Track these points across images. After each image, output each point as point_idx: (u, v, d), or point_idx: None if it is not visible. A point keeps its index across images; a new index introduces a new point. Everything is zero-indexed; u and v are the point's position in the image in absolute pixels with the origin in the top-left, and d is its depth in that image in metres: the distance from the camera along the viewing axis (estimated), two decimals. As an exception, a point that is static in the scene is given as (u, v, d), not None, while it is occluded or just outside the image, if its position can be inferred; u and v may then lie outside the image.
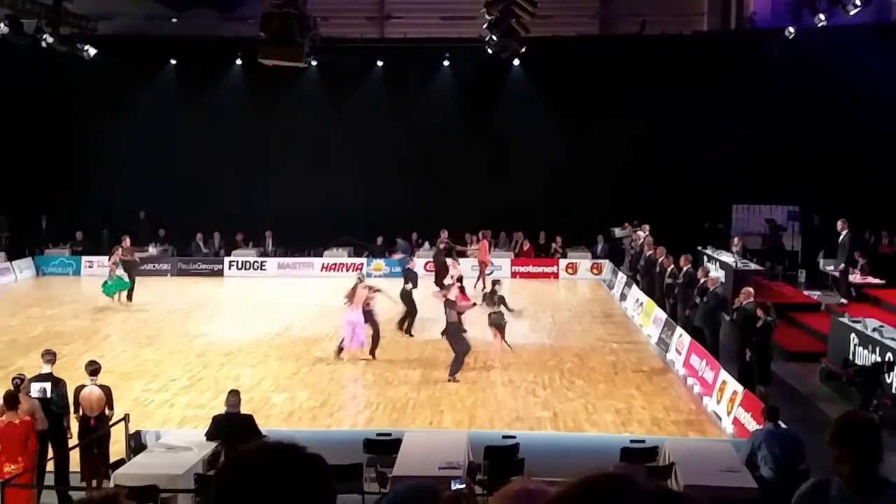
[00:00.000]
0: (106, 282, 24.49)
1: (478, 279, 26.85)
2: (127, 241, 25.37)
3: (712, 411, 14.56)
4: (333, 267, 30.11)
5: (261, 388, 16.07)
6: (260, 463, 2.01)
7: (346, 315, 18.15)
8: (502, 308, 17.86)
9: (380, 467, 11.18)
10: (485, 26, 23.46)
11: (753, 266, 23.42)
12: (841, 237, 21.73)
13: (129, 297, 24.58)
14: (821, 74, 26.39)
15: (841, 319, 17.11)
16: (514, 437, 12.04)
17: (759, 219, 28.95)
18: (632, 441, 11.85)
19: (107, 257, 25.44)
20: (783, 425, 11.01)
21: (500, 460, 11.19)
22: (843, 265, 21.53)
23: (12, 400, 10.49)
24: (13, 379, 11.42)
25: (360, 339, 18.09)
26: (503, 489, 2.42)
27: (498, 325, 17.79)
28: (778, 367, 16.61)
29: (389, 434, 12.05)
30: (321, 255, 30.64)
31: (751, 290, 16.58)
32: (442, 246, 26.61)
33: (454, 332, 17.12)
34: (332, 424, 14.15)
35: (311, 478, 2.02)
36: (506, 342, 17.99)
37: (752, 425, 12.31)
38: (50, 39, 25.42)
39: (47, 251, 31.24)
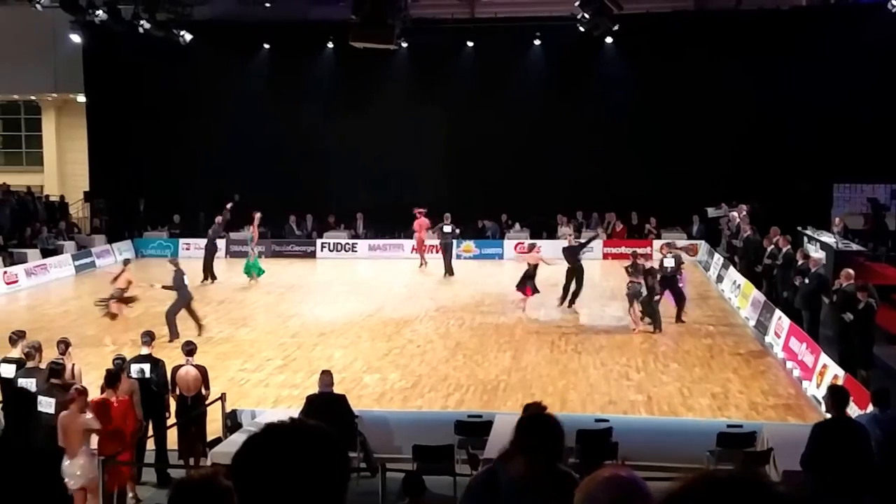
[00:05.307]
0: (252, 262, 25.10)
1: (422, 260, 27.69)
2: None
3: (812, 395, 14.15)
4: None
5: (353, 369, 16.20)
6: (276, 441, 1.98)
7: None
8: (642, 280, 18.67)
9: (471, 449, 11.16)
10: (577, 4, 23.16)
11: (855, 247, 22.67)
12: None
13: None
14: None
15: (948, 302, 16.47)
16: (606, 420, 11.86)
17: (861, 198, 27.98)
18: (728, 426, 11.59)
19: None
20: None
21: (592, 444, 11.02)
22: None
23: (113, 379, 10.76)
24: (114, 360, 11.67)
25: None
26: (592, 475, 2.36)
27: (635, 294, 18.66)
28: (881, 350, 16.07)
29: (480, 416, 12.01)
30: (411, 237, 30.67)
31: (851, 271, 16.01)
32: (447, 229, 26.87)
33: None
34: (423, 406, 14.18)
35: (325, 459, 1.98)
36: (633, 314, 18.81)
37: (853, 410, 11.91)
38: (147, 25, 25.97)
39: (146, 234, 32.02)
